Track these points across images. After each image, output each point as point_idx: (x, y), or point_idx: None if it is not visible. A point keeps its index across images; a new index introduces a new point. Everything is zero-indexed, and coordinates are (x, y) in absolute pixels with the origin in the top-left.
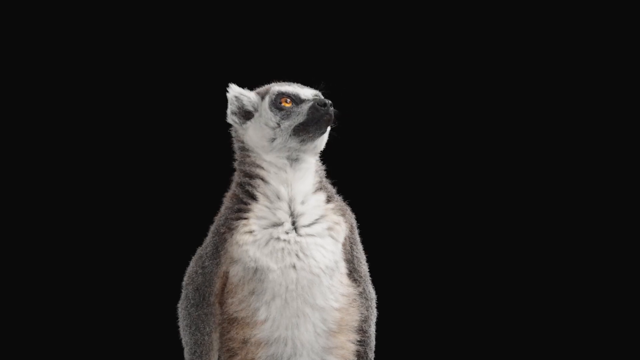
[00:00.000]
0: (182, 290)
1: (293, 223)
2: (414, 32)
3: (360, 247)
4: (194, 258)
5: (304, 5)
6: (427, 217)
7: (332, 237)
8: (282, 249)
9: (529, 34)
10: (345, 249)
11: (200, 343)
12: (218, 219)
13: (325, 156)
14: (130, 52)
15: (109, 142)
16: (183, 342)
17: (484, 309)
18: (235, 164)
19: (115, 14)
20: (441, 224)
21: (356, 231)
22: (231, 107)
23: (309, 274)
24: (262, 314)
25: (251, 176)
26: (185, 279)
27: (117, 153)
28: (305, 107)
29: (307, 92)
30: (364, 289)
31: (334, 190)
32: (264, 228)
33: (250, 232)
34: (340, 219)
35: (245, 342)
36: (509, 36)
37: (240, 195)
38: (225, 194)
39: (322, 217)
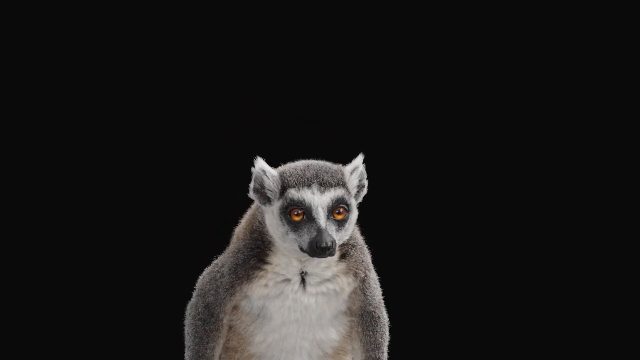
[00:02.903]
0: (193, 296)
1: (303, 280)
2: (414, 32)
3: (373, 282)
4: (210, 271)
5: (303, 6)
6: (426, 220)
7: (338, 295)
8: (289, 307)
9: (529, 34)
10: (355, 294)
11: (202, 355)
12: (240, 248)
13: (328, 156)
14: (129, 52)
15: (106, 146)
16: (186, 343)
17: (485, 318)
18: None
19: (115, 14)
20: (440, 226)
21: (371, 273)
22: (254, 184)
23: (310, 323)
24: (259, 338)
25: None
26: (197, 286)
27: (115, 157)
28: (306, 238)
29: (321, 202)
30: (378, 316)
31: (352, 239)
32: (277, 283)
33: (265, 285)
34: (350, 280)
35: (237, 350)
36: (509, 36)
37: (263, 239)
38: (251, 207)
39: (332, 277)
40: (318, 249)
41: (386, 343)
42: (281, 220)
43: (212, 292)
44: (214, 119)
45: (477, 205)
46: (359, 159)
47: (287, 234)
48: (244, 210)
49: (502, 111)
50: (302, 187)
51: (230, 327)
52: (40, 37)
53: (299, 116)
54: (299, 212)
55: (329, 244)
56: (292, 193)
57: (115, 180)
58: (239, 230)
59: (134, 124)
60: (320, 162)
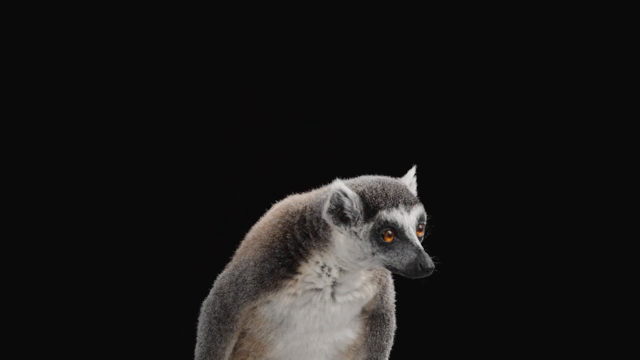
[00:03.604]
0: (210, 294)
1: (332, 292)
2: (413, 32)
3: (390, 286)
4: (230, 273)
5: (303, 6)
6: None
7: (361, 302)
8: (315, 316)
9: (529, 35)
10: (374, 298)
11: (213, 354)
12: (266, 257)
13: (329, 156)
14: (129, 53)
15: (106, 147)
16: (198, 338)
17: (485, 321)
18: (308, 218)
19: (115, 14)
20: (441, 228)
21: (390, 277)
22: (330, 205)
23: (332, 329)
24: (280, 345)
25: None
26: (216, 284)
27: (115, 158)
28: (402, 259)
29: (410, 222)
30: (389, 318)
31: None
32: (306, 292)
33: (294, 294)
34: (375, 287)
35: (249, 354)
36: (505, 35)
37: (298, 250)
38: (272, 213)
39: (360, 287)
40: (423, 270)
41: (389, 348)
42: (371, 242)
43: (231, 294)
44: (214, 119)
45: (478, 207)
46: (413, 170)
47: (373, 254)
48: (244, 211)
49: (503, 111)
50: (391, 207)
51: (243, 334)
52: (40, 37)
53: (299, 116)
54: (391, 232)
55: (433, 265)
56: (384, 215)
57: (116, 180)
58: (261, 235)
59: (134, 124)
60: (388, 179)
